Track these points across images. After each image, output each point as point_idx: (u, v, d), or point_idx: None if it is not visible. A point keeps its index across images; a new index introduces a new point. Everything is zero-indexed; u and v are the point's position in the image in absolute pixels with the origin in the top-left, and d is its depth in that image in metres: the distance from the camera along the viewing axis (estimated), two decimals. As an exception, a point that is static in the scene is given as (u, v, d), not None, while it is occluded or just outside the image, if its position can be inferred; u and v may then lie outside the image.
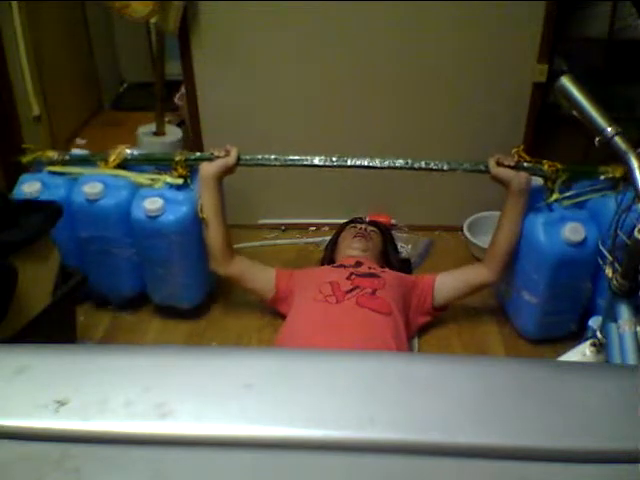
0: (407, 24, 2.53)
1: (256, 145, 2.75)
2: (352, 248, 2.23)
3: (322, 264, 2.35)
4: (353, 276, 2.01)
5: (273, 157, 2.23)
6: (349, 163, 2.18)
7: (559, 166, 2.13)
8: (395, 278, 2.11)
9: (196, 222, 2.20)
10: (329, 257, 2.36)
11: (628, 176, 1.05)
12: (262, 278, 2.18)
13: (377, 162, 2.18)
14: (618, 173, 2.12)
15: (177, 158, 2.22)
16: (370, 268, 2.09)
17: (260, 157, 2.25)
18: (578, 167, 2.20)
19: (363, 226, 2.35)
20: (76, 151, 2.49)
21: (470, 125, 2.71)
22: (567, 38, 2.60)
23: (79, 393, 0.55)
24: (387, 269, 2.18)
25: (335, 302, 1.91)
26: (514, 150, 2.14)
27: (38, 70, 3.28)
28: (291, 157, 2.21)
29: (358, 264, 2.12)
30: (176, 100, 3.51)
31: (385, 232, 2.45)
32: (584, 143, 2.64)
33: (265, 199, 2.89)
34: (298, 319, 1.98)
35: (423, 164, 2.18)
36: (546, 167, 2.13)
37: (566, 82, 1.15)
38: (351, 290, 1.94)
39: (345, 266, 2.10)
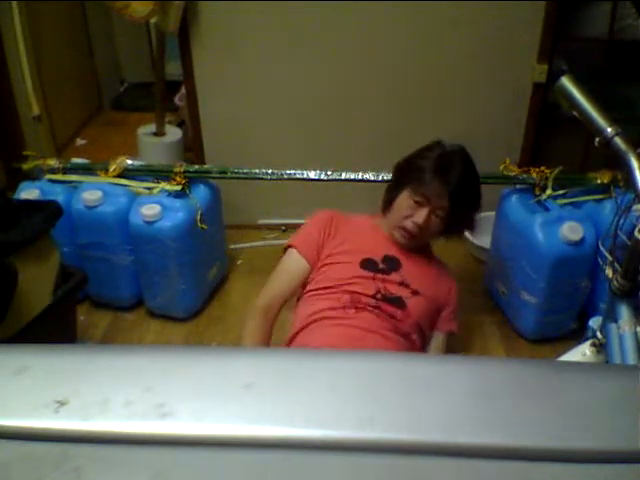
0: (408, 25, 2.53)
1: (256, 145, 2.76)
2: (397, 235, 1.83)
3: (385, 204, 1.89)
4: (379, 295, 1.72)
5: (270, 171, 2.26)
6: (343, 177, 2.24)
7: (547, 172, 2.17)
8: (426, 301, 1.80)
9: (193, 230, 2.21)
10: (385, 203, 1.90)
11: (628, 176, 1.05)
12: (298, 278, 1.85)
13: (370, 176, 2.23)
14: (607, 179, 2.17)
15: (176, 169, 2.25)
16: (402, 284, 1.76)
17: (257, 171, 2.28)
18: (568, 175, 2.23)
19: (426, 211, 1.75)
20: (76, 160, 2.51)
21: (470, 125, 2.71)
22: (567, 38, 2.60)
23: (79, 393, 0.55)
24: (422, 288, 1.80)
25: (353, 313, 1.70)
26: (502, 166, 2.21)
27: (38, 70, 3.29)
28: (287, 171, 2.25)
29: (392, 265, 1.79)
30: (176, 100, 3.52)
31: (465, 204, 1.83)
32: (584, 143, 2.65)
33: (265, 199, 2.89)
34: (313, 330, 1.72)
35: None
36: (534, 174, 2.18)
37: (566, 82, 1.15)
38: (372, 306, 1.71)
39: (374, 276, 1.76)
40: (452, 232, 1.91)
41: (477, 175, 1.85)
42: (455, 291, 1.92)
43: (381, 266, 1.79)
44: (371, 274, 1.76)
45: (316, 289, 1.77)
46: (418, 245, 1.87)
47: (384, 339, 1.68)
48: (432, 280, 1.87)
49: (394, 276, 1.78)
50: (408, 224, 1.78)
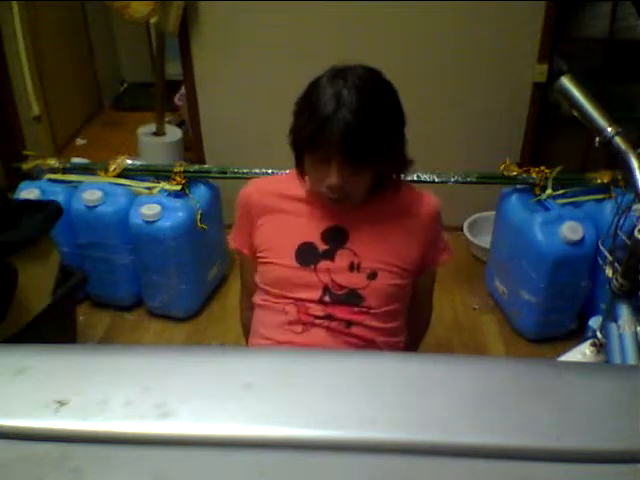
0: (408, 25, 2.53)
1: (256, 145, 2.76)
2: (327, 202, 1.36)
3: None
4: (326, 297, 1.36)
5: (270, 171, 2.27)
6: None
7: (547, 172, 2.18)
8: (391, 277, 1.38)
9: (193, 229, 2.21)
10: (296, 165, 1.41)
11: (628, 176, 1.05)
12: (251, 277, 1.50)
13: None
14: (607, 179, 2.17)
15: (176, 169, 2.26)
16: (352, 268, 1.36)
17: (257, 171, 2.29)
18: (568, 175, 2.24)
19: (335, 167, 1.25)
20: (76, 160, 2.52)
21: (470, 125, 2.71)
22: (567, 38, 2.60)
23: (79, 393, 0.55)
24: (381, 259, 1.37)
25: (300, 331, 1.39)
26: (502, 166, 2.21)
27: (38, 70, 3.29)
28: (287, 171, 2.24)
29: (337, 241, 1.37)
30: (176, 100, 3.52)
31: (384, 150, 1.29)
32: (584, 143, 2.65)
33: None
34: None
35: (415, 177, 2.22)
36: (534, 174, 2.18)
37: (566, 82, 1.15)
38: (322, 317, 1.38)
39: (315, 268, 1.36)
40: (388, 176, 1.36)
41: (388, 96, 1.33)
42: (435, 215, 1.44)
43: (322, 249, 1.37)
44: (311, 267, 1.36)
45: (263, 292, 1.45)
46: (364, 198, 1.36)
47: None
48: (398, 232, 1.41)
49: (341, 258, 1.37)
50: (324, 189, 1.31)
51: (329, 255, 1.37)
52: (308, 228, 1.39)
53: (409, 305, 1.49)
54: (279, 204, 1.42)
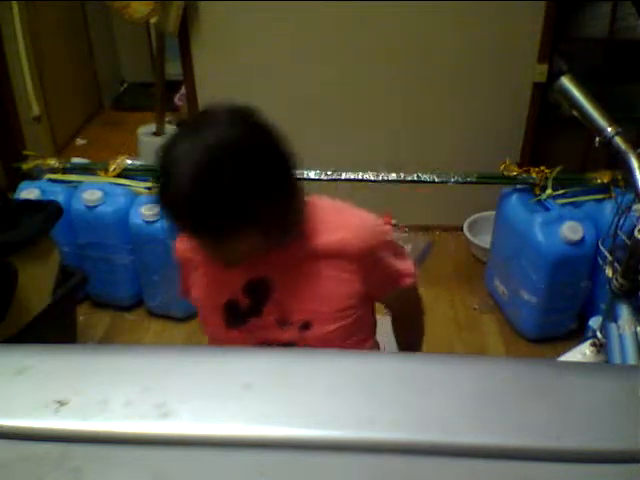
0: (408, 25, 2.53)
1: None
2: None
3: None
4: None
5: None
6: (343, 177, 2.24)
7: (547, 172, 2.18)
8: (328, 323, 1.18)
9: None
10: None
11: (628, 176, 1.05)
12: None
13: (370, 176, 2.23)
14: (607, 179, 2.17)
15: None
16: (280, 323, 1.18)
17: None
18: (568, 175, 2.24)
19: (209, 247, 1.12)
20: (76, 160, 2.52)
21: (471, 125, 2.71)
22: (567, 38, 2.60)
23: (79, 393, 0.55)
24: (314, 308, 1.17)
25: None
26: (502, 166, 2.21)
27: (38, 70, 3.29)
28: None
29: (260, 294, 1.19)
30: (176, 100, 3.51)
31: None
32: (584, 143, 2.65)
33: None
34: None
35: (415, 177, 2.21)
36: (534, 174, 2.19)
37: (566, 82, 1.14)
38: None
39: (242, 328, 1.21)
40: (276, 230, 1.11)
41: (253, 146, 1.11)
42: (380, 242, 1.21)
43: (245, 305, 1.20)
44: (239, 327, 1.21)
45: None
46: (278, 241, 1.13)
47: None
48: (326, 272, 1.18)
49: (267, 315, 1.19)
50: (212, 259, 1.18)
51: (255, 311, 1.20)
52: (230, 283, 1.21)
53: (392, 319, 1.37)
54: (204, 257, 1.22)
